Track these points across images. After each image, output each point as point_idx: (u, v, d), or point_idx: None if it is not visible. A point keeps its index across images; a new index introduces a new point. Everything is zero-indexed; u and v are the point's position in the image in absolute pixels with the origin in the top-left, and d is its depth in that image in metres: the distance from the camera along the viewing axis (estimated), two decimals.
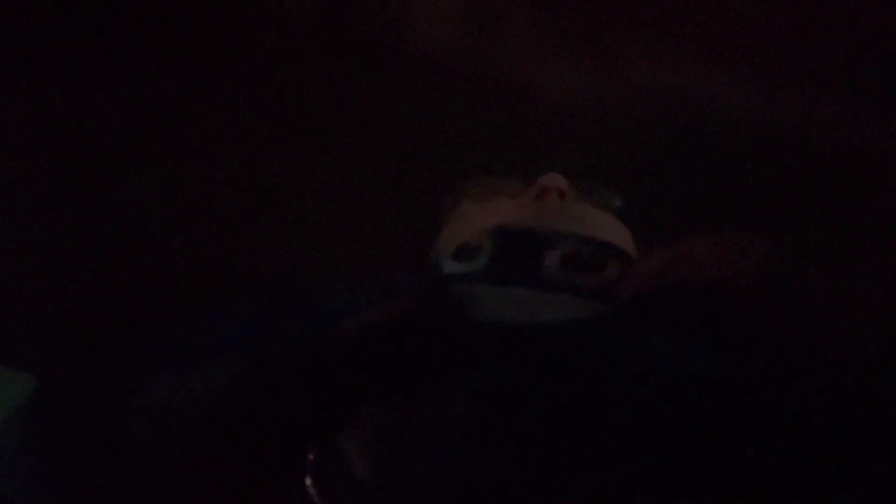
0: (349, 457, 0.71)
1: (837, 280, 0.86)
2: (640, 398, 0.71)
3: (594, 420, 0.72)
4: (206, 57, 1.10)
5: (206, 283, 1.03)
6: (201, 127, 1.09)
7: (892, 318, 0.82)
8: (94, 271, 1.07)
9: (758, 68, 1.07)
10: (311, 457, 0.71)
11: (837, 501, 0.68)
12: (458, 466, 0.70)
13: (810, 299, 0.81)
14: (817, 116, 1.05)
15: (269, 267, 1.04)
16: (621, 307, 0.79)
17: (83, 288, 1.06)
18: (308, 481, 0.70)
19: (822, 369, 0.75)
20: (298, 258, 1.05)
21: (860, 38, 1.04)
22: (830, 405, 0.71)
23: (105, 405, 0.77)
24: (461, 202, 0.90)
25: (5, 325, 1.06)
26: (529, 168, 0.90)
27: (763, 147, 1.06)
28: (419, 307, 0.81)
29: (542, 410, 0.73)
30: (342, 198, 1.09)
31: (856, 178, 1.05)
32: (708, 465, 0.69)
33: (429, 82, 1.09)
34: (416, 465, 0.71)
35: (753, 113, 1.06)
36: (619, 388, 0.73)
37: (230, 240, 1.07)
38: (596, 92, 1.09)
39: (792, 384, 0.72)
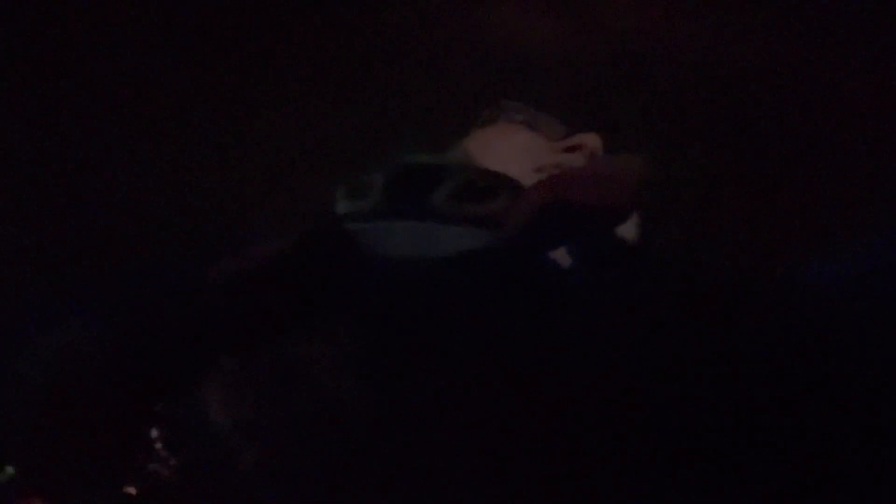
0: (209, 403, 0.67)
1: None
2: (534, 320, 0.70)
3: (486, 349, 0.69)
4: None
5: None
6: None
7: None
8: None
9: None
10: (161, 406, 0.65)
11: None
12: (338, 407, 0.67)
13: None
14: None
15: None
16: (512, 234, 0.77)
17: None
18: (154, 433, 0.64)
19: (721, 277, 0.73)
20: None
21: None
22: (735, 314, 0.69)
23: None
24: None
25: None
26: None
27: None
28: (304, 246, 0.79)
29: (430, 343, 0.70)
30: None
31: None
32: (620, 389, 0.66)
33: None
34: (283, 408, 0.67)
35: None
36: (511, 313, 0.70)
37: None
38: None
39: (694, 298, 0.70)
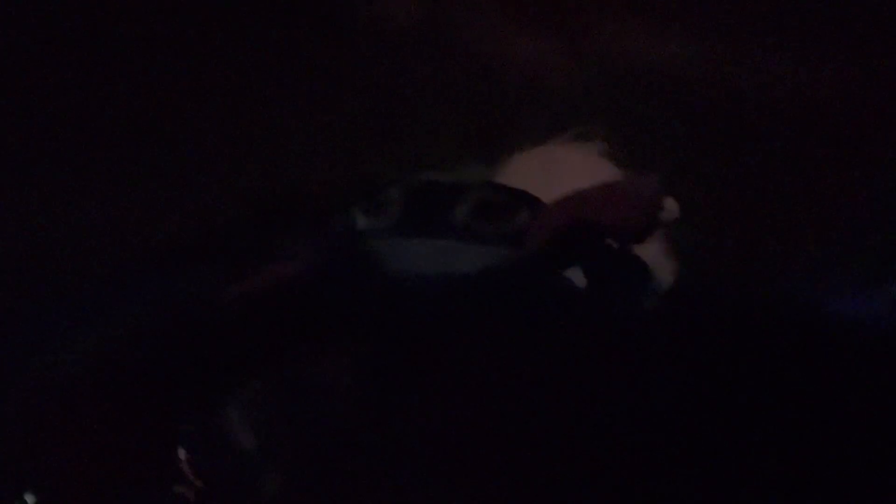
0: (231, 425, 0.66)
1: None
2: (555, 337, 0.69)
3: (502, 367, 0.69)
4: None
5: None
6: None
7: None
8: None
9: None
10: (185, 428, 0.65)
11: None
12: (352, 428, 0.67)
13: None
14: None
15: None
16: (532, 253, 0.77)
17: None
18: (182, 454, 0.64)
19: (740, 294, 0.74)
20: None
21: None
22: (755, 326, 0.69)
23: None
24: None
25: None
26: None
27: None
28: (323, 264, 0.79)
29: (449, 361, 0.70)
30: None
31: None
32: (643, 400, 0.66)
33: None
34: (304, 431, 0.67)
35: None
36: (532, 331, 0.70)
37: None
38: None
39: (712, 311, 0.70)
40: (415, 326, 0.72)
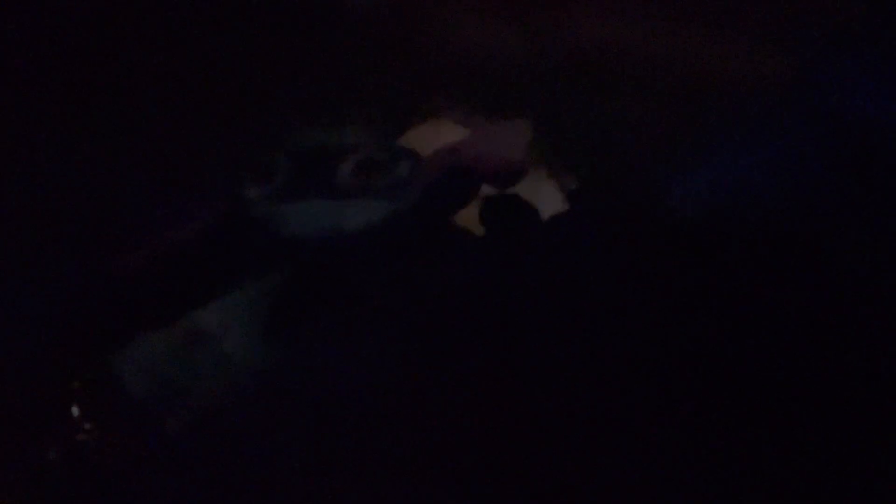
0: (123, 376, 0.67)
1: None
2: (450, 285, 0.73)
3: (397, 319, 0.72)
4: None
5: None
6: None
7: None
8: None
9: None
10: (77, 384, 0.66)
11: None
12: (244, 386, 0.68)
13: None
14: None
15: None
16: (414, 202, 0.80)
17: None
18: (75, 411, 0.65)
19: None
20: None
21: None
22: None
23: None
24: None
25: None
26: None
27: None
28: (213, 232, 0.80)
29: (342, 322, 0.72)
30: None
31: None
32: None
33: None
34: (202, 383, 0.68)
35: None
36: (421, 280, 0.73)
37: None
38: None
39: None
40: (304, 286, 0.75)
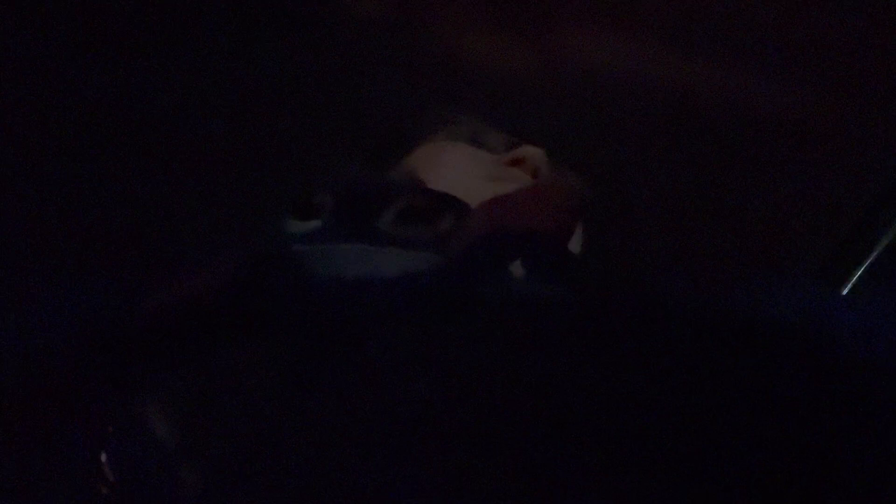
0: (150, 417, 0.67)
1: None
2: (474, 341, 0.71)
3: (423, 366, 0.70)
4: None
5: None
6: None
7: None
8: None
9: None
10: (110, 429, 0.66)
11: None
12: (272, 427, 0.68)
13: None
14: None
15: None
16: (455, 257, 0.78)
17: None
18: (103, 458, 0.65)
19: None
20: None
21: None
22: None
23: None
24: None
25: None
26: None
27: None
28: (252, 268, 0.79)
29: (370, 366, 0.71)
30: None
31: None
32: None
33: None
34: (225, 426, 0.68)
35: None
36: (453, 332, 0.72)
37: None
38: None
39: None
40: (338, 328, 0.73)
